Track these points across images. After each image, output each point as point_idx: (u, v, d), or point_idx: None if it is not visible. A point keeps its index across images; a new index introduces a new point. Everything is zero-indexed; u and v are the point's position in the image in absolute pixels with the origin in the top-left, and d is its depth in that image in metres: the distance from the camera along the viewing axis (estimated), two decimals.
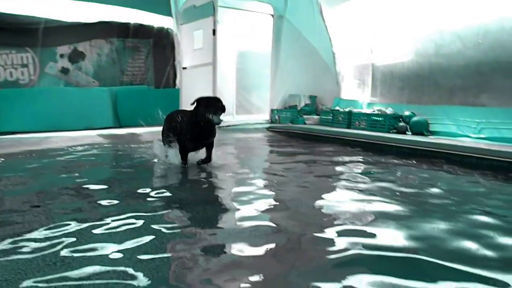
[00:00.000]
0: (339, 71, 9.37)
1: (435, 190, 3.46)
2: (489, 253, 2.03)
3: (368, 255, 1.98)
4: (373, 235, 2.25)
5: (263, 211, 2.75)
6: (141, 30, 8.84)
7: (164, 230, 2.29)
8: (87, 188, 3.30)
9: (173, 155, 4.23)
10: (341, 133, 7.11)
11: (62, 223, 2.36)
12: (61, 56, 8.11)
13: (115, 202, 2.86)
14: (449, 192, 3.38)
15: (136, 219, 2.47)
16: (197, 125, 3.86)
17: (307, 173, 4.22)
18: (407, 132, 6.83)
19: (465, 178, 4.09)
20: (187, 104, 8.97)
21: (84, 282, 1.67)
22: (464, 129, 6.44)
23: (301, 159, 5.11)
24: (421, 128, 6.68)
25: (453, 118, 6.64)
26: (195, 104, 3.90)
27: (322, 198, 3.16)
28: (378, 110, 7.57)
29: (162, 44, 9.08)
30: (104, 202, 2.84)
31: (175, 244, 2.12)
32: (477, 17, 6.51)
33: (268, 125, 8.70)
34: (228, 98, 8.94)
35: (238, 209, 2.79)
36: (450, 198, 3.17)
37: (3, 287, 1.61)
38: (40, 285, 1.64)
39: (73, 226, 2.32)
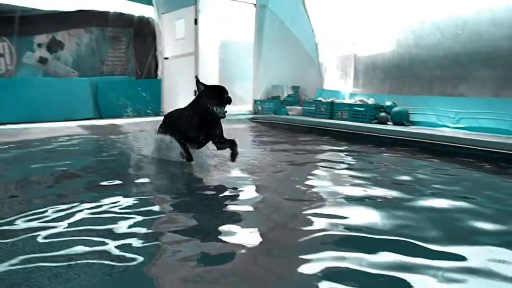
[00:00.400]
0: (322, 62, 9.41)
1: (410, 177, 3.56)
2: (450, 233, 2.16)
3: (339, 234, 2.10)
4: (344, 217, 2.35)
5: (243, 195, 2.82)
6: (121, 19, 8.69)
7: (142, 215, 2.30)
8: (66, 177, 3.27)
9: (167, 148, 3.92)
10: (324, 123, 7.16)
11: (40, 210, 2.35)
12: (39, 45, 7.92)
13: (95, 190, 2.85)
14: (423, 179, 3.49)
15: (114, 205, 2.47)
16: (200, 114, 3.51)
17: (286, 161, 4.24)
18: (388, 122, 6.91)
19: (438, 165, 4.20)
20: (169, 95, 8.96)
21: (69, 262, 1.67)
22: (443, 119, 6.55)
23: (282, 147, 5.15)
24: (402, 118, 6.76)
25: (433, 108, 6.74)
26: (198, 89, 3.61)
27: (302, 183, 3.22)
28: (360, 101, 7.63)
29: (143, 34, 8.95)
30: (83, 190, 2.84)
31: (155, 227, 2.16)
32: (456, 8, 6.60)
33: (251, 116, 8.70)
34: None
35: (218, 194, 2.82)
36: (421, 184, 3.29)
37: None
38: (18, 267, 1.65)
39: (51, 213, 2.31)
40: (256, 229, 2.19)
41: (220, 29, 9.17)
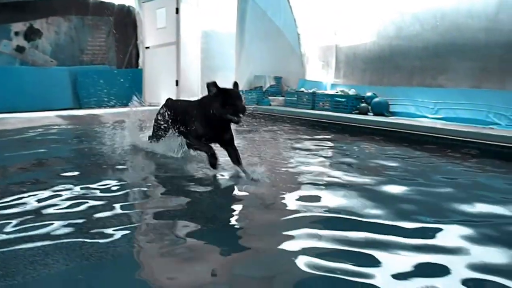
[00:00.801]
0: (304, 53, 9.43)
1: (384, 164, 3.71)
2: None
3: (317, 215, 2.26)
4: (322, 200, 2.52)
5: (224, 181, 2.96)
6: (101, 8, 8.57)
7: (118, 201, 2.33)
8: (41, 165, 3.25)
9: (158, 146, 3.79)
10: (306, 114, 7.21)
11: (16, 197, 2.35)
12: (16, 33, 7.76)
13: (70, 178, 2.84)
14: (397, 167, 3.64)
15: (90, 192, 2.50)
16: (211, 119, 3.10)
17: (268, 150, 4.29)
18: (368, 113, 6.99)
19: (414, 154, 4.32)
20: (150, 84, 8.90)
21: (46, 248, 1.70)
22: (422, 109, 6.66)
23: (264, 137, 5.19)
24: (382, 109, 6.85)
25: (412, 99, 6.84)
26: (210, 91, 3.10)
27: (283, 170, 3.31)
28: (341, 91, 7.69)
29: (123, 23, 8.85)
30: (59, 177, 2.85)
31: (131, 211, 2.22)
32: (435, 0, 6.68)
33: None
34: (193, 79, 8.86)
35: (200, 181, 2.86)
36: (398, 171, 3.46)
37: None
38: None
39: (27, 199, 2.31)
40: (238, 210, 2.25)
41: (202, 19, 9.11)
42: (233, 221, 2.22)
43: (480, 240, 1.97)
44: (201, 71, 9.27)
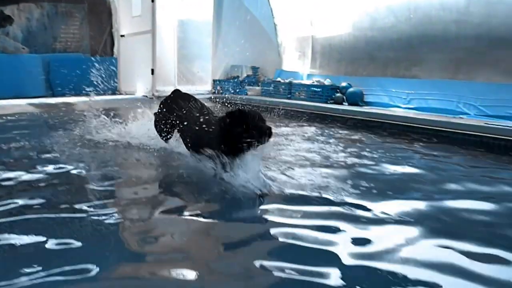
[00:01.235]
0: (281, 43, 9.47)
1: (353, 151, 3.87)
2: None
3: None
4: (290, 179, 2.76)
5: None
6: None
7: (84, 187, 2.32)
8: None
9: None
10: (282, 103, 7.26)
11: None
12: None
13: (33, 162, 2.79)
14: (363, 155, 3.77)
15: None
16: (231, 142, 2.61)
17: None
18: (343, 103, 7.10)
19: (385, 142, 4.49)
20: (125, 73, 8.76)
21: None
22: (395, 99, 6.80)
23: None
24: (356, 99, 6.97)
25: (386, 89, 6.98)
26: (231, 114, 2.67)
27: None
28: (317, 82, 7.78)
29: (97, 10, 8.67)
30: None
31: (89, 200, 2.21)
32: None
33: (210, 96, 8.67)
34: (169, 68, 8.78)
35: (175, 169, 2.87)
36: (368, 158, 3.61)
37: None
38: None
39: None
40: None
41: (178, 7, 9.01)
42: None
43: (431, 212, 2.28)
44: (177, 60, 9.20)
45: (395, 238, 1.89)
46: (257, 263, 1.60)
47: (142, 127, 3.80)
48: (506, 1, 5.65)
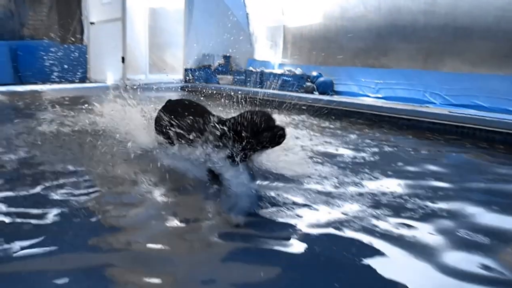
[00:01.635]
0: (253, 32, 9.45)
1: (327, 139, 3.98)
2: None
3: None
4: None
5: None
6: None
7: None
8: None
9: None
10: (253, 92, 7.27)
11: None
12: None
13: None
14: (330, 139, 3.95)
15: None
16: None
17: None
18: (314, 92, 7.18)
19: (353, 129, 4.60)
20: (95, 61, 8.58)
21: None
22: (364, 89, 6.93)
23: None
24: (327, 88, 7.07)
25: (355, 79, 7.10)
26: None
27: None
28: (288, 71, 7.83)
29: None
30: None
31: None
32: None
33: (182, 85, 8.60)
34: (140, 56, 8.65)
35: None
36: (329, 143, 3.80)
37: None
38: None
39: None
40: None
41: None
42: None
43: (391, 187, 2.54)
44: (148, 48, 9.07)
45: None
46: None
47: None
48: None
